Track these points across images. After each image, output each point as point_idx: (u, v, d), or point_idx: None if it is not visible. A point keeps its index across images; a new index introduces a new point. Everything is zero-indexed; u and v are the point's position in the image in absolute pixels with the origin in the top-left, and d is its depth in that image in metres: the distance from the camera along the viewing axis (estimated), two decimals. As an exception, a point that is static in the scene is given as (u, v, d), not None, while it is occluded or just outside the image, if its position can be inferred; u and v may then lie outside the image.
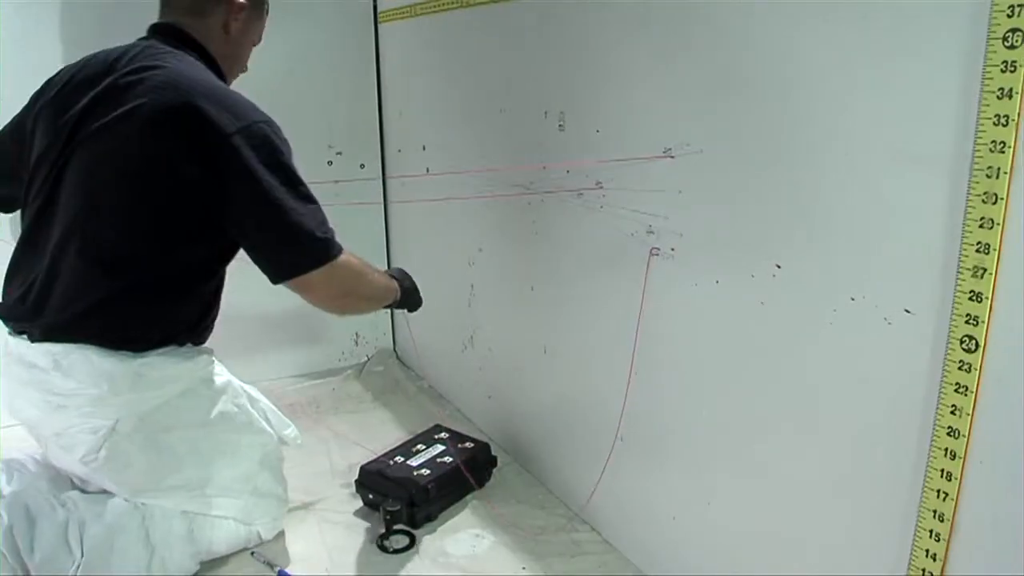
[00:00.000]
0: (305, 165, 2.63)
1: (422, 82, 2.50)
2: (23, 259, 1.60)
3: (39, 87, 1.65)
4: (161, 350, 1.58)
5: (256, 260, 1.54)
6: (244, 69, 1.82)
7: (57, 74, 1.64)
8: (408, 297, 1.87)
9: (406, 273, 1.92)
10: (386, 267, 2.93)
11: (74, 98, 1.54)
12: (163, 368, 1.57)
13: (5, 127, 1.70)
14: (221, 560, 1.76)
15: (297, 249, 1.51)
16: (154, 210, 1.49)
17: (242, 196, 1.47)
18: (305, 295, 1.58)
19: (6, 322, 1.60)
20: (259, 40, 1.81)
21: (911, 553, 1.07)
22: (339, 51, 2.73)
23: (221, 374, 1.75)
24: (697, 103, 1.37)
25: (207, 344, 1.76)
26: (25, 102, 1.68)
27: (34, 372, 1.53)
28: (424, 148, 2.48)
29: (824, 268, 1.17)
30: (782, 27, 1.19)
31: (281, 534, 1.86)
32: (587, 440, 1.82)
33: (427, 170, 2.46)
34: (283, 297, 2.72)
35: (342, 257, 1.56)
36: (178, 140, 1.44)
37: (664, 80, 1.44)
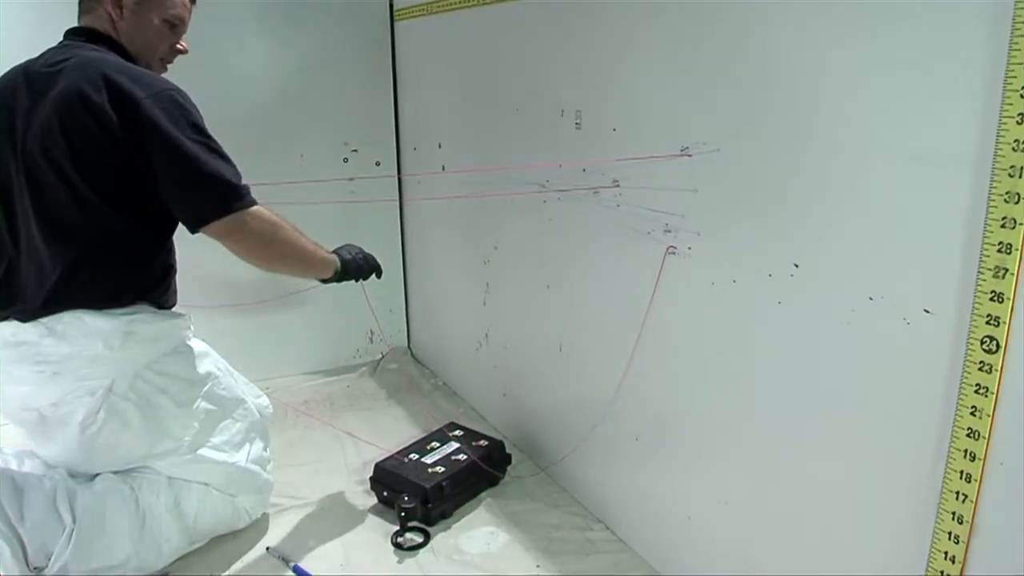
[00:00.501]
0: (321, 162, 2.69)
1: (438, 80, 2.50)
2: None
3: None
4: (142, 308, 1.66)
5: (177, 212, 1.62)
6: (170, 51, 1.78)
7: None
8: (352, 268, 1.89)
9: (354, 246, 1.95)
10: (401, 264, 2.95)
11: (2, 104, 1.62)
12: (150, 323, 1.66)
13: None
14: (237, 556, 1.78)
15: (211, 195, 1.59)
16: (89, 178, 1.55)
17: (158, 153, 1.55)
18: (225, 242, 1.63)
19: None
20: (180, 24, 1.76)
21: (929, 555, 1.07)
22: (355, 49, 2.73)
23: (199, 343, 1.82)
24: (714, 102, 1.36)
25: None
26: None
27: (23, 348, 1.59)
28: (440, 146, 2.49)
29: (842, 267, 1.16)
30: (800, 26, 1.18)
31: (296, 530, 1.87)
32: (602, 439, 1.82)
33: (443, 168, 2.46)
34: (303, 294, 2.75)
35: (256, 208, 1.64)
36: (97, 111, 1.52)
37: (681, 79, 1.43)
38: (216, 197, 1.59)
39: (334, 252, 1.86)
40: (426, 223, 2.77)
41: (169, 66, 1.77)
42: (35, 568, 1.53)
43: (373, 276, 1.96)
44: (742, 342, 1.38)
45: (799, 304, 1.25)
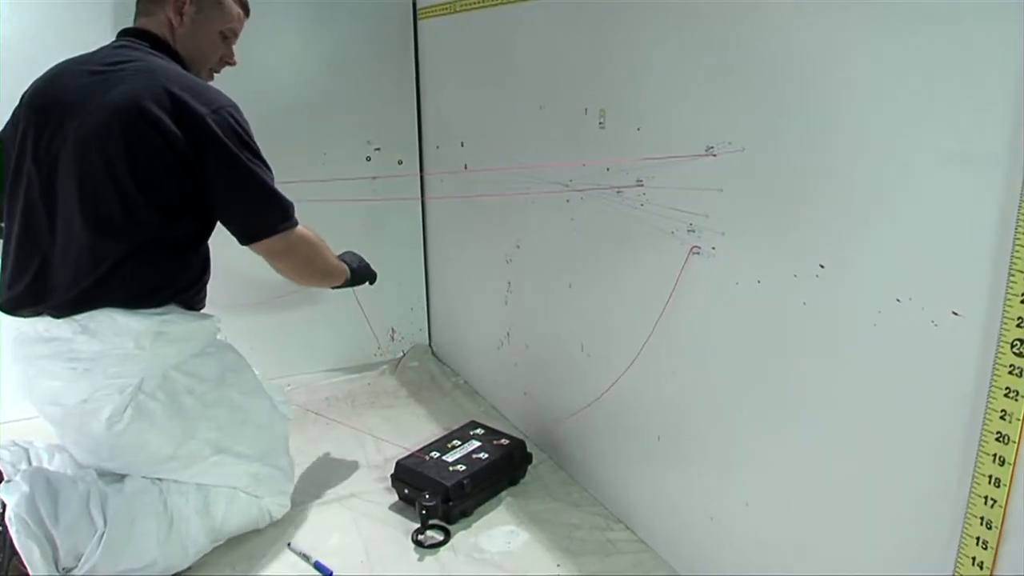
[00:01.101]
0: (344, 161, 2.70)
1: (461, 78, 2.50)
2: (22, 252, 1.66)
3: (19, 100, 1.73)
4: (173, 309, 1.68)
5: (231, 225, 1.69)
6: (220, 62, 1.86)
7: (30, 86, 1.72)
8: (357, 276, 2.02)
9: (354, 254, 2.07)
10: (423, 263, 2.95)
11: (55, 95, 1.65)
12: (181, 324, 1.68)
13: None
14: (259, 552, 1.79)
15: (267, 214, 1.68)
16: (142, 184, 1.58)
17: (219, 169, 1.61)
18: (273, 260, 1.75)
19: (16, 313, 1.66)
20: (233, 36, 1.85)
21: (956, 560, 1.05)
22: (378, 48, 2.74)
23: (226, 344, 1.86)
24: (739, 101, 1.35)
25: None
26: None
27: (55, 344, 1.62)
28: (462, 144, 2.49)
29: (869, 268, 1.15)
30: (829, 25, 1.17)
31: (317, 526, 1.88)
32: (624, 439, 1.82)
33: (465, 167, 2.46)
34: (318, 293, 2.76)
35: (300, 228, 1.75)
36: (161, 127, 1.55)
37: (707, 78, 1.43)
38: (271, 216, 1.69)
39: (341, 259, 1.98)
40: (448, 221, 2.78)
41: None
42: (64, 569, 1.53)
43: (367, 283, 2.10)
44: (766, 343, 1.37)
45: (825, 305, 1.24)
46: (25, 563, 1.48)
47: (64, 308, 1.60)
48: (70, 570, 1.55)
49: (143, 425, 1.64)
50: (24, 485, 1.54)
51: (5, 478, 1.61)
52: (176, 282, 1.69)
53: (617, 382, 1.78)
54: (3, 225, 1.73)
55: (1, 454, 1.70)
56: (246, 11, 1.87)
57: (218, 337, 1.81)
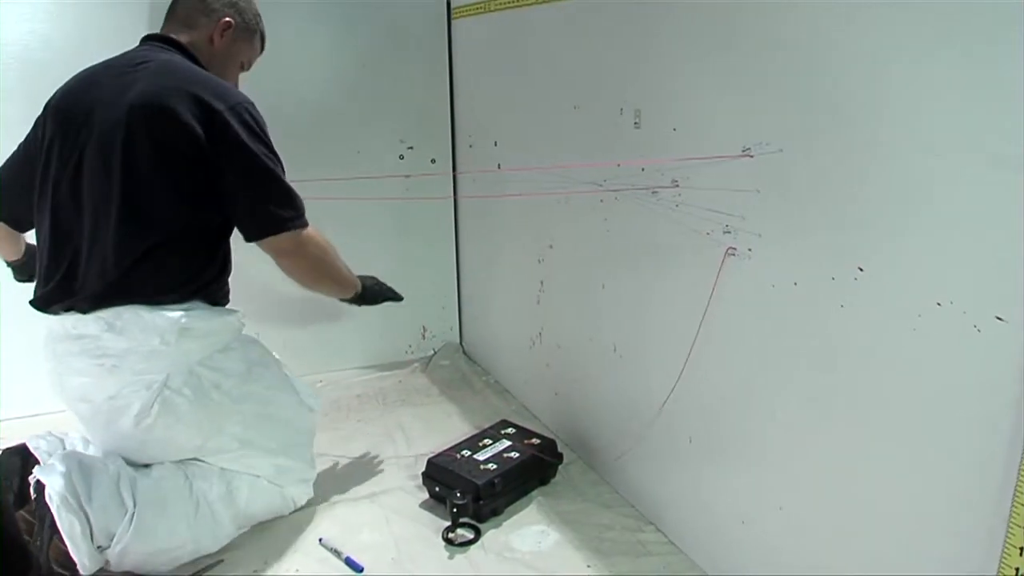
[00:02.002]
0: (377, 159, 2.71)
1: (494, 78, 2.51)
2: (54, 250, 1.70)
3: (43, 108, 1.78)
4: (197, 305, 1.71)
5: (240, 219, 1.73)
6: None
7: (55, 93, 1.78)
8: (370, 293, 2.05)
9: (373, 278, 2.10)
10: (454, 261, 2.96)
11: (78, 98, 1.72)
12: (205, 320, 1.71)
13: (15, 153, 1.84)
14: (290, 546, 1.80)
15: (279, 210, 1.70)
16: (166, 175, 1.64)
17: (235, 163, 1.65)
18: (281, 259, 1.77)
19: (47, 309, 1.70)
20: (248, 67, 1.96)
21: (999, 571, 1.04)
22: (412, 47, 2.75)
23: (252, 338, 1.89)
24: (777, 102, 1.34)
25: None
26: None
27: (84, 342, 1.65)
28: (496, 144, 2.49)
29: (909, 271, 1.14)
30: (867, 26, 1.16)
31: (348, 522, 1.89)
32: (655, 440, 1.81)
33: (498, 166, 2.46)
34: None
35: (310, 229, 1.77)
36: (182, 124, 1.60)
37: (744, 79, 1.42)
38: (281, 212, 1.71)
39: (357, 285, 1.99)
40: (480, 220, 2.78)
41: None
42: (98, 547, 1.58)
43: (388, 302, 2.13)
44: (802, 346, 1.36)
45: (863, 308, 1.22)
46: (66, 540, 1.53)
47: (91, 303, 1.64)
48: (104, 549, 1.59)
49: (170, 420, 1.67)
50: (61, 466, 1.60)
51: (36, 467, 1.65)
52: (199, 276, 1.72)
53: (651, 384, 1.77)
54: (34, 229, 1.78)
55: (38, 443, 1.73)
56: (263, 48, 1.99)
57: (244, 332, 1.84)
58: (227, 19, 1.83)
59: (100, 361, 1.64)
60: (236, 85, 1.89)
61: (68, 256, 1.68)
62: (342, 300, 2.00)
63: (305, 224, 1.75)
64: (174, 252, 1.67)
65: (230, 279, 1.83)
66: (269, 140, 1.71)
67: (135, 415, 1.65)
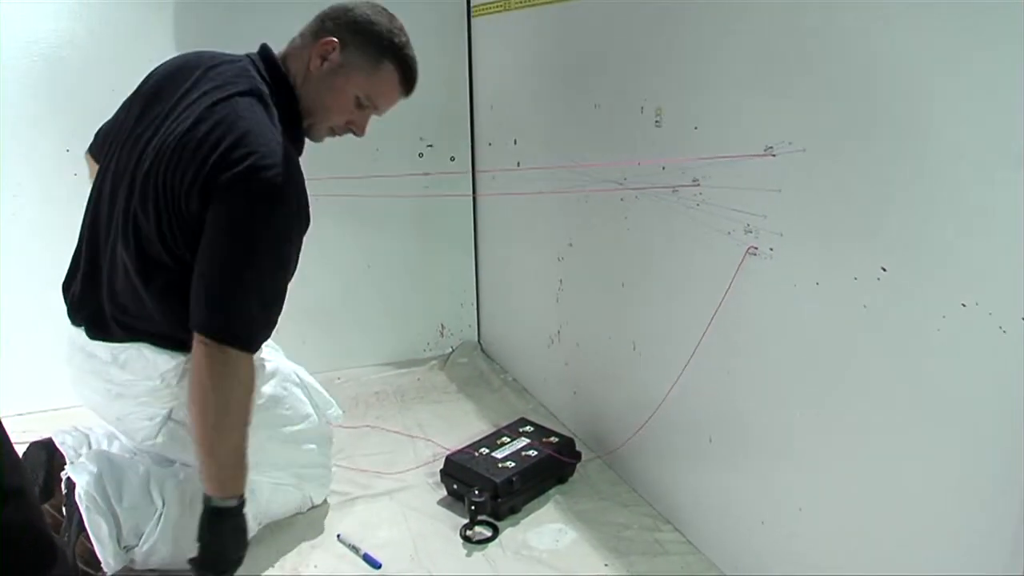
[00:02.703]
0: (396, 157, 2.72)
1: (514, 76, 2.50)
2: (86, 248, 1.64)
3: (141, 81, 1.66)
4: None
5: (196, 292, 1.47)
6: (344, 126, 1.67)
7: (158, 67, 1.65)
8: (217, 533, 1.53)
9: (239, 520, 1.56)
10: (473, 259, 2.95)
11: (165, 90, 1.58)
12: None
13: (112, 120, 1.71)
14: (309, 543, 1.81)
15: (226, 309, 1.45)
16: (173, 226, 1.48)
17: (212, 244, 1.45)
18: (199, 358, 1.45)
19: (66, 299, 1.67)
20: (368, 104, 1.64)
21: None
22: (432, 45, 2.73)
23: (271, 359, 1.81)
24: (800, 101, 1.34)
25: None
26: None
27: (95, 362, 1.62)
28: (515, 142, 2.49)
29: (934, 272, 1.13)
30: (892, 26, 1.15)
31: (366, 519, 1.90)
32: (675, 440, 1.81)
33: (518, 164, 2.46)
34: (369, 288, 2.79)
35: (248, 360, 1.48)
36: (199, 167, 1.43)
37: (766, 77, 1.41)
38: (228, 322, 1.45)
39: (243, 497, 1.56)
40: (499, 219, 2.78)
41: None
42: (125, 547, 1.59)
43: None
44: (824, 346, 1.35)
45: (886, 309, 1.22)
46: (92, 540, 1.54)
47: (96, 331, 1.59)
48: (131, 548, 1.60)
49: (176, 447, 1.66)
50: (92, 465, 1.60)
51: (68, 461, 1.66)
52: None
53: (670, 384, 1.77)
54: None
55: (64, 439, 1.74)
56: (407, 90, 1.68)
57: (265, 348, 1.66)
58: (330, 39, 1.55)
59: (107, 386, 1.63)
60: (346, 127, 1.65)
61: (88, 267, 1.62)
62: (206, 499, 1.51)
63: (247, 351, 1.47)
64: (176, 302, 1.50)
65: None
66: (278, 238, 1.46)
67: (139, 442, 1.67)
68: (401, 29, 1.65)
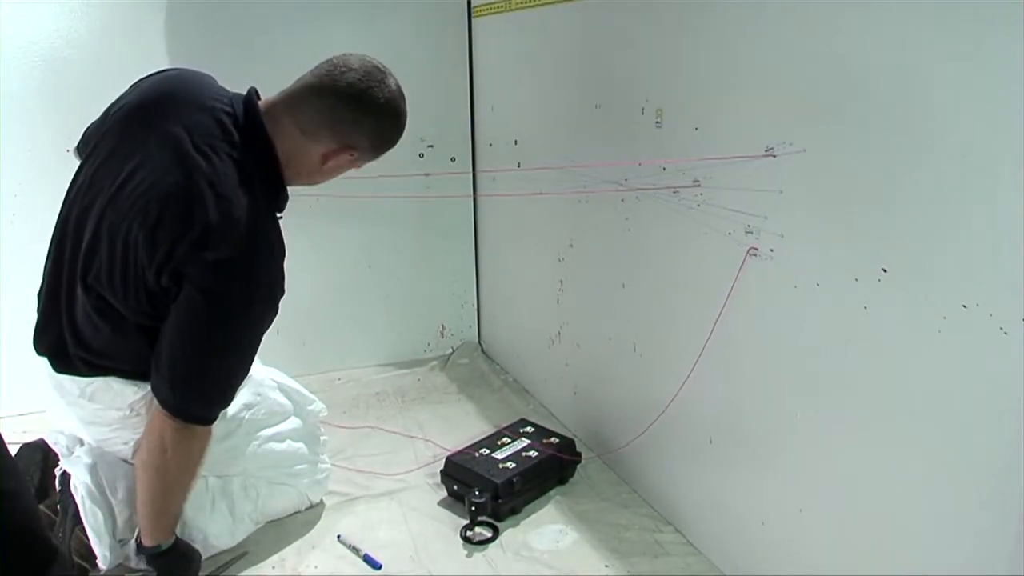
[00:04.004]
0: (396, 158, 2.68)
1: (515, 77, 2.50)
2: (46, 275, 1.60)
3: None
4: None
5: (154, 362, 1.47)
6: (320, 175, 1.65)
7: (141, 82, 1.59)
8: (167, 558, 1.57)
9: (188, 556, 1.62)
10: (474, 260, 2.95)
11: (140, 132, 1.50)
12: None
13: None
14: (309, 543, 1.81)
15: (187, 391, 1.47)
16: (137, 285, 1.45)
17: (182, 324, 1.44)
18: (150, 425, 1.50)
19: (34, 339, 1.62)
20: (340, 172, 1.68)
21: None
22: (432, 45, 2.75)
23: None
24: (801, 102, 1.33)
25: None
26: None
27: (65, 394, 1.60)
28: (516, 143, 2.49)
29: (934, 273, 1.13)
30: (894, 26, 1.15)
31: (366, 519, 1.90)
32: (675, 441, 1.80)
33: (518, 165, 2.46)
34: (370, 288, 2.78)
35: (205, 432, 1.51)
36: (176, 242, 1.40)
37: (767, 78, 1.41)
38: (187, 401, 1.47)
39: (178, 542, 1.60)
40: (500, 219, 2.78)
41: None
42: (120, 540, 1.60)
43: None
44: (825, 347, 1.35)
45: (887, 310, 1.21)
46: (89, 531, 1.54)
47: (57, 361, 1.56)
48: (126, 542, 1.61)
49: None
50: (87, 457, 1.61)
51: (62, 458, 1.67)
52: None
53: (671, 384, 1.77)
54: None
55: (57, 438, 1.74)
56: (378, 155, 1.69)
57: None
58: (352, 150, 1.56)
59: (81, 414, 1.61)
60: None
61: (53, 296, 1.57)
62: (138, 543, 1.56)
63: (207, 424, 1.50)
64: (138, 342, 1.49)
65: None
66: (244, 329, 1.46)
67: (121, 458, 1.65)
68: (401, 95, 1.65)
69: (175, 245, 1.39)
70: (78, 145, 1.69)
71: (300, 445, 1.88)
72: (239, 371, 1.53)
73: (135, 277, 1.44)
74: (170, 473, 1.50)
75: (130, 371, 1.55)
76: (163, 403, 1.46)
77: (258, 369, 1.83)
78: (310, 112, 1.50)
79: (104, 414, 1.59)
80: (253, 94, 1.55)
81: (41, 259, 1.62)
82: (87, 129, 1.66)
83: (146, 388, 1.54)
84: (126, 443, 1.62)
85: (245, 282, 1.43)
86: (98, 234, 1.46)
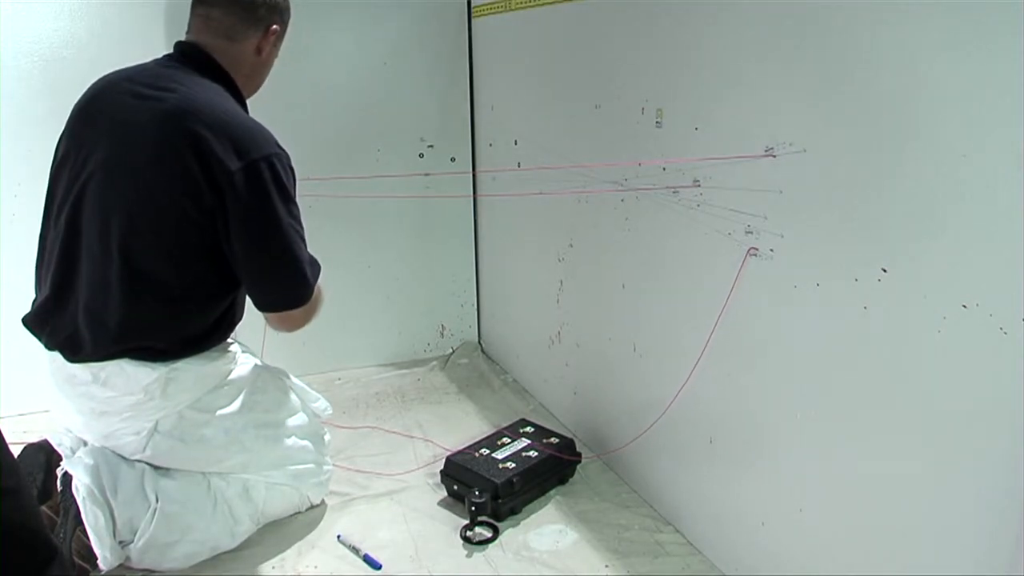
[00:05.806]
0: (397, 158, 2.72)
1: (515, 76, 2.50)
2: (47, 273, 1.65)
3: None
4: (187, 357, 1.65)
5: (253, 288, 1.65)
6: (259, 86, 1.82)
7: (76, 103, 1.68)
8: None
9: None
10: (474, 260, 2.95)
11: (92, 116, 1.63)
12: (191, 370, 1.66)
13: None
14: (309, 543, 1.81)
15: (290, 283, 1.63)
16: (169, 230, 1.55)
17: (241, 230, 1.56)
18: (281, 324, 1.70)
19: (34, 331, 1.67)
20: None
21: None
22: (433, 45, 2.75)
23: (247, 362, 1.82)
24: (801, 102, 1.33)
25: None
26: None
27: (75, 384, 1.63)
28: (516, 143, 2.49)
29: (934, 273, 1.13)
30: (893, 26, 1.15)
31: (366, 520, 1.90)
32: (675, 441, 1.80)
33: (518, 164, 2.46)
34: (369, 288, 2.79)
35: (315, 297, 1.69)
36: (187, 172, 1.51)
37: (767, 78, 1.41)
38: (294, 291, 1.64)
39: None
40: (500, 219, 2.78)
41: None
42: (120, 542, 1.60)
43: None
44: (825, 347, 1.35)
45: (887, 310, 1.21)
46: (89, 532, 1.55)
47: (70, 351, 1.60)
48: (126, 544, 1.61)
49: (164, 459, 1.68)
50: (88, 459, 1.62)
51: (64, 458, 1.67)
52: (194, 336, 1.66)
53: (671, 384, 1.77)
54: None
55: (61, 439, 1.75)
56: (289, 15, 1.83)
57: (234, 367, 1.78)
58: (275, 27, 1.72)
59: (91, 405, 1.63)
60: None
61: (57, 285, 1.63)
62: None
63: (309, 296, 1.67)
64: (165, 312, 1.60)
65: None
66: (289, 202, 1.59)
67: (129, 453, 1.67)
68: None
69: (201, 165, 1.51)
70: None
71: (306, 443, 1.88)
72: (304, 243, 1.64)
73: (176, 219, 1.54)
74: (310, 317, 1.72)
75: (144, 349, 1.59)
76: (286, 306, 1.64)
77: (263, 367, 1.87)
78: (225, 20, 1.66)
79: (117, 402, 1.61)
80: (183, 43, 1.69)
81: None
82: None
83: (160, 370, 1.60)
84: (137, 433, 1.64)
85: (273, 175, 1.55)
86: (124, 199, 1.54)
